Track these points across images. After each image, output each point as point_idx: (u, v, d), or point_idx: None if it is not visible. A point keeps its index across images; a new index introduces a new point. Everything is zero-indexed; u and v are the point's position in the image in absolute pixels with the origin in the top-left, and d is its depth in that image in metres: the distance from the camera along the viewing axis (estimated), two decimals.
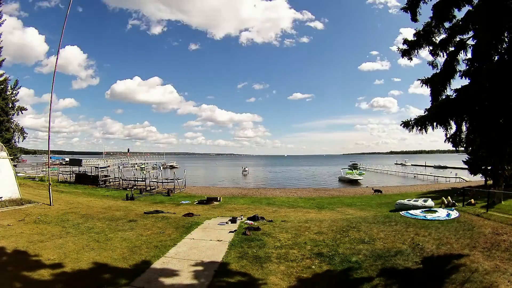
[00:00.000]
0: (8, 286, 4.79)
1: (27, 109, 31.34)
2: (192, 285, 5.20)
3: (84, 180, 30.10)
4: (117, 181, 31.15)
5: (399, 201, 15.25)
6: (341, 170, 51.12)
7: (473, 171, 27.28)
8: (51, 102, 14.29)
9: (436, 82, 13.78)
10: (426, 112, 14.54)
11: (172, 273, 5.67)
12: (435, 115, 13.84)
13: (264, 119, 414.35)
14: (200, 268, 5.96)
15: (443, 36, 13.12)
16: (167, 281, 5.34)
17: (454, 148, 14.84)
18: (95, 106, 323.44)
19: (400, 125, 14.59)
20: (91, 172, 34.42)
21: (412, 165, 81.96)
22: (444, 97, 13.93)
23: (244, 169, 65.35)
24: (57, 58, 14.36)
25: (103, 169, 38.69)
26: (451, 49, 12.95)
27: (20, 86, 30.06)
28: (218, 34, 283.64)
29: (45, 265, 5.70)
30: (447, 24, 12.66)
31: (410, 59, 13.89)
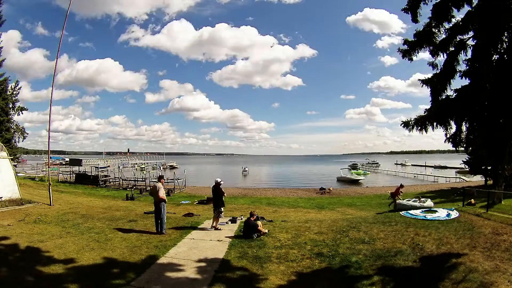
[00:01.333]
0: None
1: (27, 109, 31.46)
2: (192, 286, 5.20)
3: (84, 180, 30.02)
4: (117, 181, 31.12)
5: (398, 201, 15.25)
6: (340, 171, 51.07)
7: (473, 171, 27.30)
8: (51, 103, 14.32)
9: (436, 83, 13.75)
10: (426, 112, 14.46)
11: (172, 273, 5.67)
12: (435, 115, 13.83)
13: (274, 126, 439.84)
14: (200, 268, 5.96)
15: (443, 36, 13.09)
16: (167, 281, 5.34)
17: (454, 148, 14.75)
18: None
19: (400, 125, 14.48)
20: (91, 172, 34.39)
21: (412, 165, 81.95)
22: (444, 97, 13.90)
23: (244, 169, 64.94)
24: (57, 59, 14.36)
25: (103, 169, 38.66)
26: (451, 49, 12.92)
27: (21, 87, 30.13)
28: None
29: (44, 265, 5.70)
30: (447, 25, 12.64)
31: (411, 59, 13.88)
